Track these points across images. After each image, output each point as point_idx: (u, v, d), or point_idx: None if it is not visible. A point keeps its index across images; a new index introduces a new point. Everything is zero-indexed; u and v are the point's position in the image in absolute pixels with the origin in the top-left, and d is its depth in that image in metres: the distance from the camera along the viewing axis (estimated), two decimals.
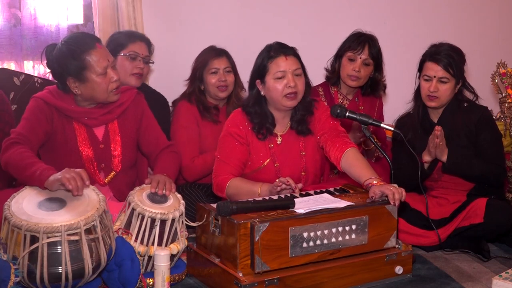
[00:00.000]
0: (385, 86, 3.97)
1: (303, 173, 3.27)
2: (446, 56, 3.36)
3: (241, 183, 3.11)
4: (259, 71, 3.17)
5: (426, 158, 3.35)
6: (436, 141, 3.27)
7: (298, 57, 3.19)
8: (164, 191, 2.84)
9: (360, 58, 3.76)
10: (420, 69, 3.47)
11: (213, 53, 3.82)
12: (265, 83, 3.16)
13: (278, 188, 2.95)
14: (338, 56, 3.85)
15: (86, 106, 3.05)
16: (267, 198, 2.94)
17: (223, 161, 3.19)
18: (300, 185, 2.98)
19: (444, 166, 3.34)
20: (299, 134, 3.26)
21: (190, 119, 3.75)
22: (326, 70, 3.91)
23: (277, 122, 3.25)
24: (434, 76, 3.37)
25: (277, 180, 2.97)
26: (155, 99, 3.77)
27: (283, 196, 2.95)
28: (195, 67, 3.84)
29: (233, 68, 3.85)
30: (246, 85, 3.90)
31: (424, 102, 3.45)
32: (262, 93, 3.19)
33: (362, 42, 3.77)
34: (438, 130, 3.26)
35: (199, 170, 3.68)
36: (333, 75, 3.87)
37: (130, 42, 3.62)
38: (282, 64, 3.12)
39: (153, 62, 3.77)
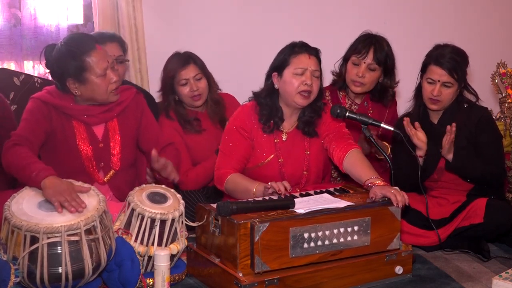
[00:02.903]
0: (394, 94, 3.77)
1: (305, 172, 3.28)
2: (451, 60, 3.33)
3: (240, 180, 3.12)
4: (279, 64, 3.18)
5: (419, 153, 3.34)
6: (451, 137, 3.25)
7: (319, 59, 3.20)
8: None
9: (364, 62, 3.57)
10: (423, 70, 3.45)
11: (179, 63, 3.67)
12: (282, 76, 3.16)
13: (269, 191, 2.95)
14: (345, 59, 3.68)
15: (85, 104, 3.05)
16: (267, 198, 2.94)
17: (226, 154, 3.21)
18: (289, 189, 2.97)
19: (448, 164, 3.33)
20: (305, 135, 3.27)
21: (173, 134, 3.61)
22: (333, 73, 3.77)
23: (285, 118, 3.25)
24: (438, 80, 3.35)
25: (268, 184, 2.96)
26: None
27: (283, 196, 2.95)
28: (164, 79, 3.71)
29: (203, 72, 3.70)
30: (237, 83, 3.90)
31: (426, 104, 3.44)
32: (276, 86, 3.20)
33: (367, 46, 3.57)
34: (454, 126, 3.25)
35: (193, 183, 3.62)
36: (340, 79, 3.71)
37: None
38: (304, 61, 3.14)
39: (128, 60, 3.70)
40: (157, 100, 3.87)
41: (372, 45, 3.58)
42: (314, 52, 3.18)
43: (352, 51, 3.64)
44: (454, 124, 3.26)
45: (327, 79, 3.88)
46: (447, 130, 3.27)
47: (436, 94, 3.35)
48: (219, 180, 3.18)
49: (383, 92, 3.71)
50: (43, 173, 2.65)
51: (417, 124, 3.33)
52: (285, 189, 2.93)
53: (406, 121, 3.31)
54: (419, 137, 3.31)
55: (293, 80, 3.13)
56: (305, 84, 3.12)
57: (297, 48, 3.17)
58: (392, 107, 3.83)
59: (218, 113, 3.76)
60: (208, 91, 3.74)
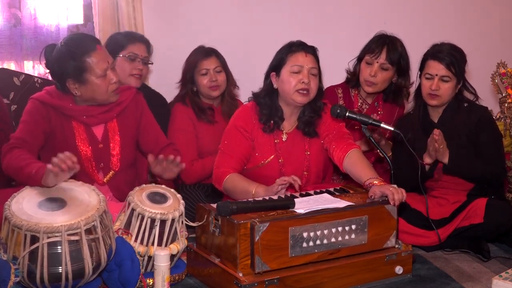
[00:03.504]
0: (408, 94, 3.77)
1: (305, 173, 3.28)
2: (448, 55, 3.36)
3: (239, 180, 3.12)
4: (276, 64, 3.19)
5: (427, 160, 3.35)
6: (435, 145, 3.27)
7: (317, 58, 3.21)
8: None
9: (377, 62, 3.61)
10: (422, 67, 3.46)
11: (202, 54, 3.80)
12: (279, 76, 3.17)
13: (277, 190, 2.95)
14: (359, 59, 3.73)
15: (84, 105, 3.05)
16: (267, 198, 2.94)
17: (226, 153, 3.21)
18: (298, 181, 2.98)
19: (445, 167, 3.34)
20: (305, 135, 3.27)
21: (186, 121, 3.74)
22: (347, 72, 3.80)
23: (285, 118, 3.26)
24: (436, 75, 3.37)
25: (276, 183, 2.97)
26: (154, 99, 3.78)
27: (283, 196, 2.95)
28: (185, 69, 3.82)
29: (223, 67, 3.82)
30: (237, 83, 3.92)
31: (425, 100, 3.45)
32: (275, 86, 3.21)
33: (380, 45, 3.62)
34: (436, 134, 3.25)
35: (198, 174, 3.67)
36: (353, 78, 3.74)
37: (129, 43, 3.62)
38: (301, 59, 3.15)
39: (152, 63, 3.77)
40: (168, 101, 3.93)
41: (385, 45, 3.62)
42: (311, 51, 3.18)
43: (366, 50, 3.68)
44: (438, 131, 3.24)
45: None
46: (432, 137, 3.25)
47: (434, 88, 3.36)
48: (218, 179, 3.18)
49: (397, 92, 3.73)
50: (42, 169, 2.65)
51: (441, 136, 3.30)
52: (294, 180, 2.95)
53: (438, 133, 3.25)
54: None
55: (290, 78, 3.13)
56: (302, 82, 3.12)
57: (294, 47, 3.18)
58: (401, 108, 3.85)
59: (232, 109, 3.80)
60: (226, 86, 3.83)
